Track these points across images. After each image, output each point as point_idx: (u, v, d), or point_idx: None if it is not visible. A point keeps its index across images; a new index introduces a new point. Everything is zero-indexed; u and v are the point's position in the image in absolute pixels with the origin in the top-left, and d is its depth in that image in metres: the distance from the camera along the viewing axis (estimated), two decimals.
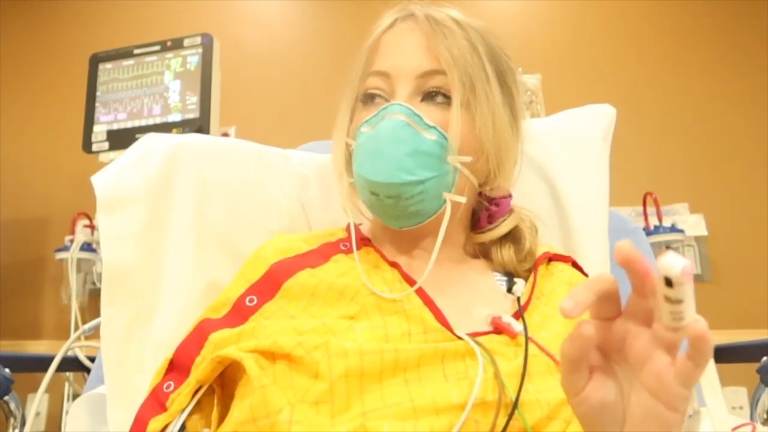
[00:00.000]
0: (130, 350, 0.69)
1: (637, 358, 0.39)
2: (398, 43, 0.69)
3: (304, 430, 0.49)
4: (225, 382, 0.59)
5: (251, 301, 0.63)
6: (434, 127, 0.64)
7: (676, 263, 0.36)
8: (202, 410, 0.59)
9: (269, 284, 0.64)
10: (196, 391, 0.58)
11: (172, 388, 0.58)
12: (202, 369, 0.56)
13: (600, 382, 0.41)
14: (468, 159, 0.65)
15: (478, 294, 0.68)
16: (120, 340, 0.69)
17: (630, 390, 0.40)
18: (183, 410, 0.56)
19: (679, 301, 0.36)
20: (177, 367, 0.60)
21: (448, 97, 0.66)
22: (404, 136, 0.62)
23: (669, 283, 0.36)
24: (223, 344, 0.57)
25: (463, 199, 0.66)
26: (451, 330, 0.59)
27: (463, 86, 0.65)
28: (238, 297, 0.63)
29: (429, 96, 0.66)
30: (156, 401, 0.58)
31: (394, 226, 0.68)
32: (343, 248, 0.70)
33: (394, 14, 0.71)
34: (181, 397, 0.57)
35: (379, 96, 0.68)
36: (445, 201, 0.65)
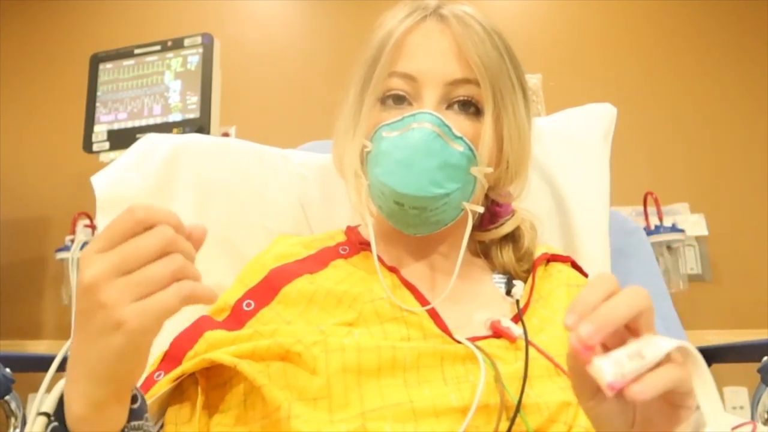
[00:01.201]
0: None
1: None
2: (426, 44, 0.65)
3: (304, 423, 0.50)
4: (210, 374, 0.59)
5: (248, 305, 0.62)
6: (461, 138, 0.62)
7: (601, 379, 0.37)
8: (185, 401, 0.59)
9: (267, 289, 0.63)
10: (178, 380, 0.58)
11: (161, 377, 0.58)
12: (191, 364, 0.57)
13: None
14: (490, 170, 0.65)
15: (477, 298, 0.68)
16: None
17: None
18: (156, 393, 0.56)
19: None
20: (169, 358, 0.60)
21: (478, 108, 0.64)
22: (435, 149, 0.61)
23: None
24: (218, 344, 0.57)
25: (480, 209, 0.66)
26: (450, 335, 0.59)
27: (494, 98, 0.64)
28: (236, 301, 0.63)
29: (459, 105, 0.64)
30: (145, 389, 0.58)
31: (409, 233, 0.67)
32: (342, 252, 0.69)
33: (420, 12, 0.67)
34: (162, 382, 0.57)
35: (403, 99, 0.65)
36: (463, 209, 0.65)
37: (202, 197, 0.81)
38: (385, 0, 0.73)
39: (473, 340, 0.59)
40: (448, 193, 0.62)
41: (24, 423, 1.25)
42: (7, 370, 1.24)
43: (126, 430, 0.44)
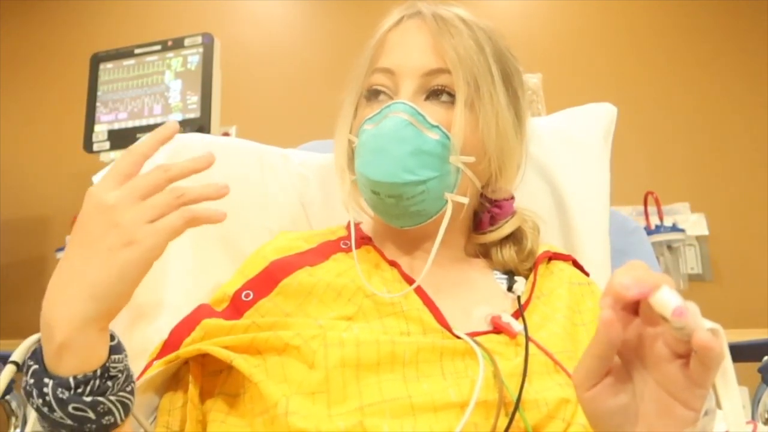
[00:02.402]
0: (132, 348, 0.69)
1: (653, 358, 0.40)
2: (404, 40, 0.68)
3: (302, 419, 0.50)
4: (206, 362, 0.59)
5: (247, 296, 0.63)
6: (437, 127, 0.63)
7: (667, 305, 0.36)
8: (180, 388, 0.59)
9: (266, 280, 0.63)
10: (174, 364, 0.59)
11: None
12: (186, 351, 0.57)
13: (615, 387, 0.41)
14: (471, 159, 0.65)
15: (478, 293, 0.68)
16: (123, 339, 0.69)
17: (644, 388, 0.41)
18: (150, 374, 0.57)
19: (680, 329, 0.37)
20: (168, 346, 0.61)
21: (452, 96, 0.65)
22: (407, 135, 0.62)
23: (665, 318, 0.37)
24: (214, 332, 0.57)
25: (465, 200, 0.66)
26: (450, 330, 0.59)
27: (467, 86, 0.64)
28: (235, 291, 0.64)
29: (433, 94, 0.65)
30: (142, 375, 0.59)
31: (395, 225, 0.67)
32: (343, 246, 0.70)
33: (401, 11, 0.71)
34: (156, 365, 0.58)
35: (383, 93, 0.67)
36: (447, 201, 0.65)
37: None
38: (384, 1, 0.74)
39: (473, 335, 0.59)
40: (423, 180, 0.62)
41: (25, 422, 1.25)
42: None
43: (108, 363, 0.47)
